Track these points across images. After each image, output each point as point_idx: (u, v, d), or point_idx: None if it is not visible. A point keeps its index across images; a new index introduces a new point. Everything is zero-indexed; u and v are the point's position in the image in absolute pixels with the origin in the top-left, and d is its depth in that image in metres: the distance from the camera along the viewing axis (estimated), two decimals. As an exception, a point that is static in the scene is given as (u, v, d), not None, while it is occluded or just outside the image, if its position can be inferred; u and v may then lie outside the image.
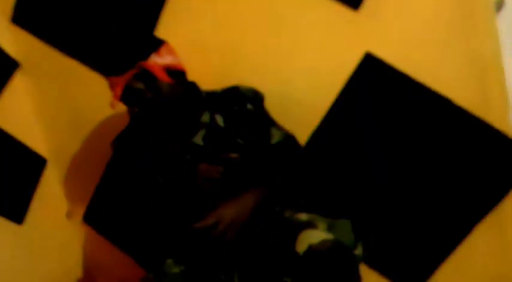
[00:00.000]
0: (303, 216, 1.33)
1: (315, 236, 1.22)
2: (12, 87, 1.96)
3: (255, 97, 1.52)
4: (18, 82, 1.98)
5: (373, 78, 1.52)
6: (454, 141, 1.50)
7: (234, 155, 1.44)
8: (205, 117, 1.50)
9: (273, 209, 1.39)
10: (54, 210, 2.07)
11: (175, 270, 1.40)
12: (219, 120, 1.48)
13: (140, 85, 1.47)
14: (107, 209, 1.88)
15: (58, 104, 2.00)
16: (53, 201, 2.07)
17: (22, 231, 1.94)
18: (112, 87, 1.52)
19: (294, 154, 1.47)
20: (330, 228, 1.26)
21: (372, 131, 1.56)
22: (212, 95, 1.56)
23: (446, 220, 1.55)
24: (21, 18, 1.94)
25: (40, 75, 1.99)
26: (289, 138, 1.48)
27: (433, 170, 1.53)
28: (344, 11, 1.50)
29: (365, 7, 1.47)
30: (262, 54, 1.64)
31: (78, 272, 2.05)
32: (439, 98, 1.47)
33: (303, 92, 1.52)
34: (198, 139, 1.47)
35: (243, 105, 1.48)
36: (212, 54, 1.71)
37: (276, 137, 1.47)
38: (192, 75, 1.64)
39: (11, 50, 1.97)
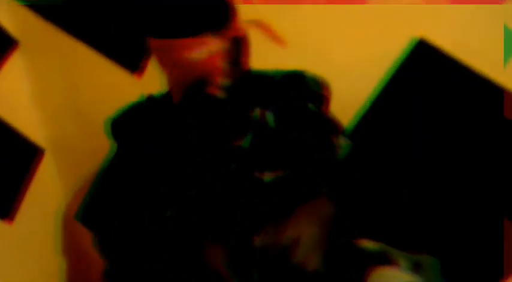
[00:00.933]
0: (371, 245, 1.07)
1: (398, 276, 0.98)
2: (9, 67, 1.85)
3: (322, 94, 1.21)
4: (15, 62, 1.87)
5: (426, 65, 1.41)
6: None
7: (269, 175, 1.14)
8: (256, 114, 1.17)
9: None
10: (50, 206, 1.92)
11: None
12: (269, 118, 1.16)
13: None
14: (104, 206, 1.74)
15: (58, 88, 1.89)
16: (49, 195, 1.95)
17: (12, 228, 1.83)
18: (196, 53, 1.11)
19: (362, 166, 1.21)
20: (415, 268, 1.01)
21: (422, 120, 1.44)
22: (266, 79, 1.21)
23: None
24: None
25: (40, 55, 1.88)
26: (355, 147, 1.20)
27: (486, 165, 1.41)
28: None
29: None
30: (301, 39, 1.46)
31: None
32: (496, 88, 1.37)
33: (344, 77, 1.34)
34: (246, 143, 1.15)
35: (305, 102, 1.17)
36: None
37: (343, 148, 1.17)
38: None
39: (10, 27, 1.85)
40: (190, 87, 1.13)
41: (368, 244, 1.08)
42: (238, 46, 1.13)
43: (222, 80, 1.11)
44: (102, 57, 1.78)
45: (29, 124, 1.89)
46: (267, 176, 1.12)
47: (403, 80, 1.45)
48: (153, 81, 1.72)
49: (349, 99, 1.39)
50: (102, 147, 1.79)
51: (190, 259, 1.15)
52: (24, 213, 1.88)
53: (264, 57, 1.31)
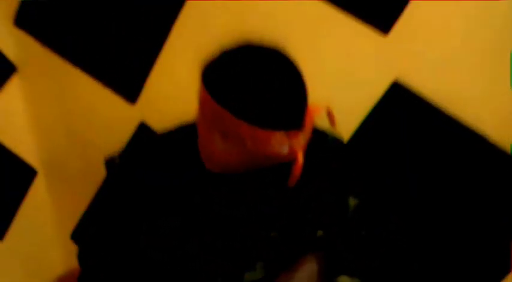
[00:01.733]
0: (345, 280, 1.12)
1: None
2: (7, 92, 1.89)
3: (343, 154, 1.21)
4: (14, 87, 1.90)
5: (400, 108, 1.44)
6: (485, 177, 1.42)
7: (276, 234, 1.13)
8: None
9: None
10: (41, 225, 1.98)
11: None
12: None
13: None
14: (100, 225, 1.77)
15: (54, 112, 1.91)
16: (39, 214, 1.98)
17: (2, 246, 1.87)
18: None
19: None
20: None
21: (395, 161, 1.47)
22: None
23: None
24: (24, 21, 1.86)
25: (37, 81, 1.91)
26: (363, 203, 1.18)
27: (461, 206, 1.44)
28: (373, 35, 1.41)
29: (395, 31, 1.40)
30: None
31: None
32: (467, 131, 1.40)
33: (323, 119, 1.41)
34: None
35: (327, 162, 1.15)
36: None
37: (351, 208, 1.17)
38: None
39: (10, 53, 1.89)
40: (265, 171, 1.08)
41: (343, 280, 1.12)
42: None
43: (299, 173, 1.07)
44: (97, 84, 1.79)
45: (24, 146, 1.92)
46: (274, 234, 1.13)
47: (377, 123, 1.45)
48: (146, 107, 1.76)
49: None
50: (93, 170, 1.84)
51: None
52: (14, 232, 1.91)
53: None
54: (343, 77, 1.46)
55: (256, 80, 0.99)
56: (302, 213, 1.13)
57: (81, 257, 1.28)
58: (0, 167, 1.89)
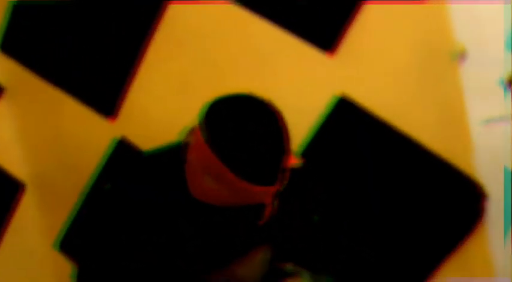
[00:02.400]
0: (289, 267, 1.29)
1: None
2: None
3: (305, 178, 1.32)
4: (2, 107, 2.01)
5: (347, 121, 1.55)
6: (423, 182, 1.55)
7: None
8: None
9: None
10: (31, 237, 2.07)
11: None
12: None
13: None
14: (86, 235, 1.85)
15: (41, 131, 2.02)
16: (30, 228, 2.07)
17: None
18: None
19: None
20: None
21: (343, 173, 1.59)
22: None
23: (414, 257, 1.59)
24: (10, 46, 1.98)
25: (24, 101, 2.01)
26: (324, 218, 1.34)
27: (403, 210, 1.57)
28: (318, 55, 1.54)
29: (340, 52, 1.53)
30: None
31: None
32: (407, 141, 1.53)
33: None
34: None
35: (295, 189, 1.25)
36: (193, 92, 1.73)
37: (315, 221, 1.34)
38: (175, 113, 1.67)
39: None
40: (244, 209, 1.17)
41: (288, 266, 1.30)
42: None
43: (273, 212, 1.18)
44: (79, 102, 1.91)
45: (13, 161, 2.01)
46: None
47: (325, 137, 1.56)
48: (126, 124, 1.88)
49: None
50: (80, 183, 1.96)
51: None
52: (6, 245, 2.00)
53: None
54: (293, 93, 1.57)
55: (257, 141, 1.09)
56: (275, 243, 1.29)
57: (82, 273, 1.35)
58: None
